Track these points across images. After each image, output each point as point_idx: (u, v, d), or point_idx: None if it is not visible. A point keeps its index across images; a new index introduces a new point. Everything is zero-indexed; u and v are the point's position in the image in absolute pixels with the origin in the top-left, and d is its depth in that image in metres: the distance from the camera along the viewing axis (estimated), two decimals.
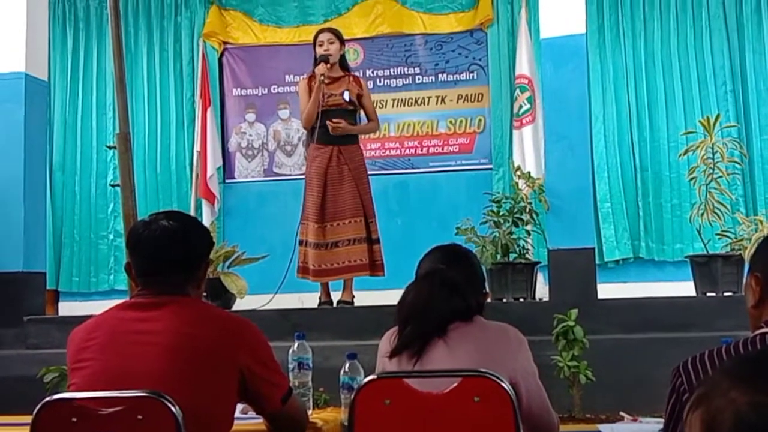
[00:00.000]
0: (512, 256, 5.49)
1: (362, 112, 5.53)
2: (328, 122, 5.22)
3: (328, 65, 5.31)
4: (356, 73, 5.85)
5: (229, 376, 2.07)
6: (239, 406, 2.27)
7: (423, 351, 2.16)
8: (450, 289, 2.21)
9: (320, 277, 5.35)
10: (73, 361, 2.11)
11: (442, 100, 7.78)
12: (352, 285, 5.47)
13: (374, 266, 5.34)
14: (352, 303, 5.44)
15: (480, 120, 7.71)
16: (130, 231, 2.27)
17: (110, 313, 2.17)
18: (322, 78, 5.25)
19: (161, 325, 2.07)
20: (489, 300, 2.58)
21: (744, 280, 1.78)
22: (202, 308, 2.20)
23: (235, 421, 2.16)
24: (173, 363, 2.02)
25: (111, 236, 7.95)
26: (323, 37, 5.41)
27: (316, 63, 5.34)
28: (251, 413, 2.33)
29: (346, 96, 5.34)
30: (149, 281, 2.16)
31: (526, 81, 7.09)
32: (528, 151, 6.97)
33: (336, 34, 5.46)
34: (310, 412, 2.51)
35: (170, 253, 2.15)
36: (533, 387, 2.16)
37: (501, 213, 5.58)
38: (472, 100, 7.74)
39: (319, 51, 5.37)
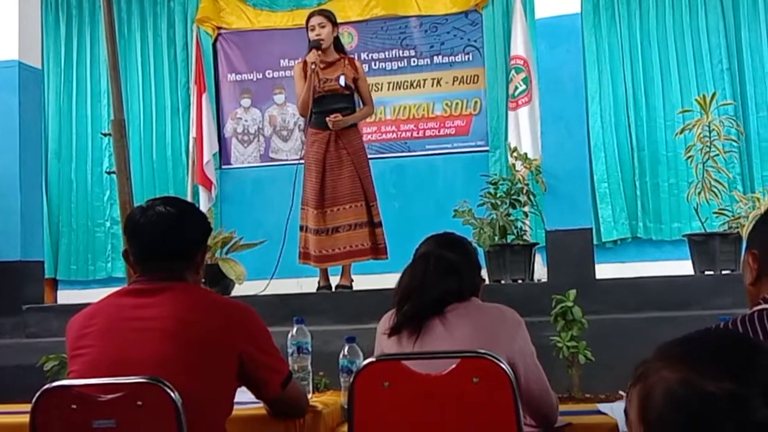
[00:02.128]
0: (510, 237, 5.49)
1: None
2: (327, 119, 5.14)
3: (319, 51, 5.21)
4: (351, 55, 5.80)
5: (228, 362, 2.07)
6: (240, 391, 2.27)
7: (421, 329, 2.17)
8: (445, 268, 2.22)
9: (322, 262, 5.34)
10: (72, 349, 2.11)
11: (438, 82, 7.76)
12: (350, 269, 5.46)
13: (377, 250, 5.31)
14: (351, 287, 5.45)
15: (476, 102, 7.69)
16: (128, 217, 2.26)
17: (109, 300, 2.16)
18: (314, 67, 5.16)
19: (160, 311, 2.06)
20: (486, 282, 2.59)
21: (741, 258, 1.78)
22: (201, 294, 2.19)
23: (235, 406, 2.16)
24: (172, 349, 2.01)
25: (108, 224, 7.95)
26: (314, 20, 5.29)
27: (309, 50, 5.25)
28: (251, 398, 2.33)
29: (342, 81, 5.26)
30: (147, 267, 2.15)
31: (522, 62, 7.07)
32: (524, 132, 6.96)
33: (327, 16, 5.33)
34: (310, 396, 2.52)
35: (168, 239, 2.14)
36: (532, 367, 2.16)
37: (498, 195, 5.57)
38: (468, 81, 7.71)
39: (311, 36, 5.26)
